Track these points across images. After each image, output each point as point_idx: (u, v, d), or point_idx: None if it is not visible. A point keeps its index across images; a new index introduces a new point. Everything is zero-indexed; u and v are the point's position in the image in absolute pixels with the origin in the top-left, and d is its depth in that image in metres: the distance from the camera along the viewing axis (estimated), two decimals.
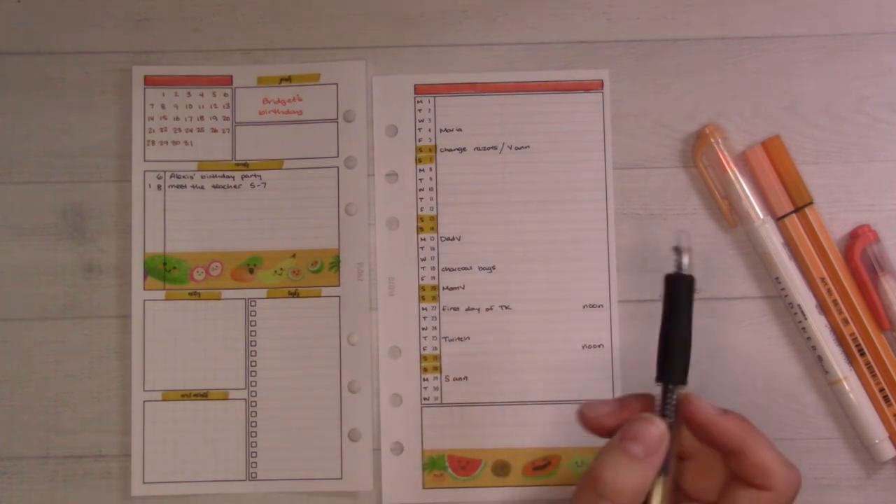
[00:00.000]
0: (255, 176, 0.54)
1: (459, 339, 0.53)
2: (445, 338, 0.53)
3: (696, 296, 0.53)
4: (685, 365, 0.45)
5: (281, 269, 0.54)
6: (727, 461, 0.44)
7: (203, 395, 0.53)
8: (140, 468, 0.53)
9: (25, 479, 0.53)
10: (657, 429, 0.43)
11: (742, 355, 0.53)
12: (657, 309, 0.53)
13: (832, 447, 0.53)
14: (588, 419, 0.45)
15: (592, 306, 0.53)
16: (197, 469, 0.53)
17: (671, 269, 0.44)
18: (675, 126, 0.54)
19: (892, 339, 0.52)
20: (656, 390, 0.44)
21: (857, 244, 0.52)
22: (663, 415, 0.44)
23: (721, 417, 0.44)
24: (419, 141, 0.54)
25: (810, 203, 0.52)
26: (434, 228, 0.54)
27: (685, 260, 0.44)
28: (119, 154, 0.54)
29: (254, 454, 0.53)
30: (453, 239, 0.54)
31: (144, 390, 0.53)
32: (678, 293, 0.45)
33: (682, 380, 0.44)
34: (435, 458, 0.53)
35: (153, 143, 0.54)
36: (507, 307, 0.53)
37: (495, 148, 0.54)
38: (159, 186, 0.54)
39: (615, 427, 0.44)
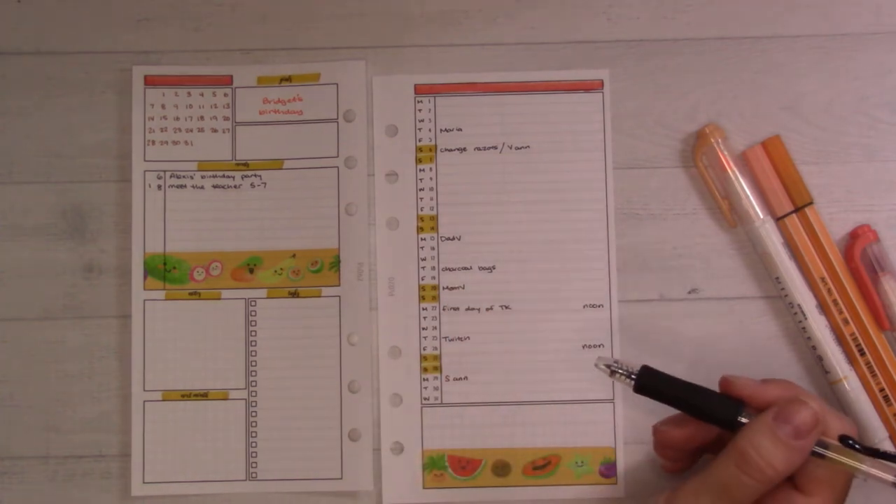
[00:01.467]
0: (255, 176, 0.54)
1: (459, 339, 0.53)
2: (445, 338, 0.53)
3: (696, 295, 0.54)
4: (723, 404, 0.45)
5: (281, 269, 0.54)
6: None
7: (203, 395, 0.53)
8: (140, 468, 0.53)
9: (25, 479, 0.53)
10: (811, 414, 0.43)
11: (742, 355, 0.53)
12: (657, 309, 0.53)
13: None
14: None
15: (592, 306, 0.53)
16: (197, 469, 0.53)
17: (630, 384, 0.47)
18: (675, 126, 0.54)
19: (892, 339, 0.52)
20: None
21: (857, 244, 0.52)
22: None
23: (761, 387, 0.45)
24: (419, 141, 0.54)
25: (810, 203, 0.52)
26: (434, 228, 0.54)
27: (625, 369, 0.47)
28: (119, 154, 0.54)
29: (254, 454, 0.53)
30: (453, 239, 0.54)
31: (144, 390, 0.53)
32: (658, 385, 0.46)
33: (736, 412, 0.45)
34: (435, 458, 0.53)
35: (153, 143, 0.54)
36: (507, 307, 0.53)
37: (495, 148, 0.54)
38: (159, 186, 0.54)
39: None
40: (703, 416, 0.46)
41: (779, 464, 0.43)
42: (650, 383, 0.46)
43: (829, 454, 0.44)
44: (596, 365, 0.47)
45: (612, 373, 0.47)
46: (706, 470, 0.45)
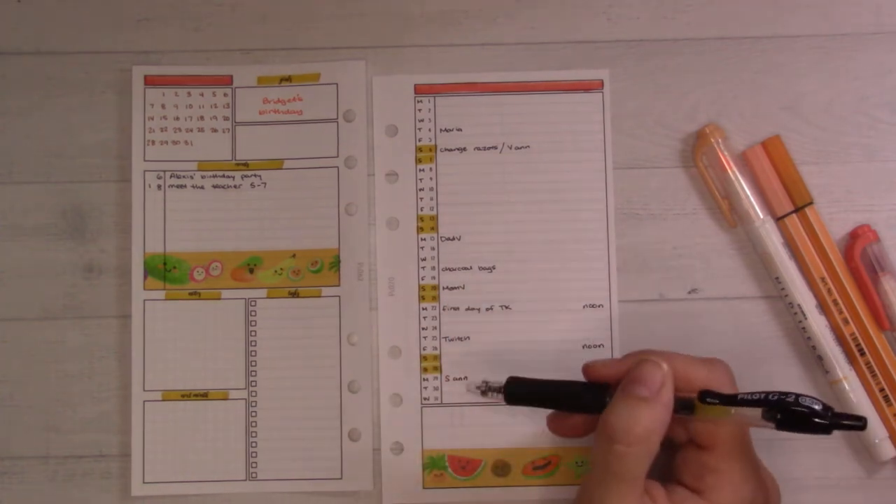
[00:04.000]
0: (255, 176, 0.54)
1: (459, 339, 0.53)
2: (445, 338, 0.53)
3: (696, 295, 0.54)
4: (589, 392, 0.47)
5: (281, 269, 0.54)
6: None
7: (203, 395, 0.53)
8: (140, 468, 0.53)
9: (25, 479, 0.53)
10: (659, 369, 0.45)
11: (742, 355, 0.53)
12: (657, 309, 0.53)
13: (832, 447, 0.53)
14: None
15: (592, 306, 0.53)
16: (197, 469, 0.53)
17: (501, 399, 0.49)
18: (675, 126, 0.54)
19: (892, 339, 0.52)
20: None
21: (857, 244, 0.52)
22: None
23: (619, 361, 0.47)
24: (419, 141, 0.54)
25: (810, 203, 0.52)
26: (434, 228, 0.54)
27: (494, 386, 0.50)
28: (119, 154, 0.54)
29: (254, 454, 0.53)
30: (453, 239, 0.54)
31: (144, 390, 0.53)
32: (525, 392, 0.49)
33: (603, 397, 0.46)
34: (435, 458, 0.53)
35: (153, 143, 0.54)
36: (507, 307, 0.53)
37: (495, 148, 0.54)
38: (159, 186, 0.54)
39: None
40: (575, 408, 0.48)
41: (644, 422, 0.44)
42: (518, 392, 0.49)
43: (699, 410, 0.45)
44: (468, 390, 0.50)
45: (483, 392, 0.49)
46: (590, 463, 0.46)
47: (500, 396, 0.49)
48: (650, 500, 0.45)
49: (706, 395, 0.44)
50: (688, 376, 0.46)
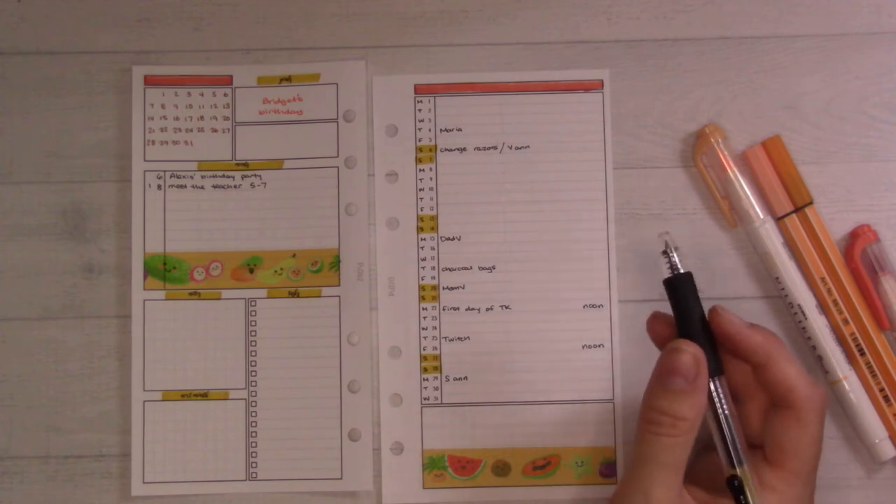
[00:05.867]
0: (255, 176, 0.54)
1: (459, 339, 0.53)
2: (445, 338, 0.53)
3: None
4: (716, 354, 0.47)
5: (281, 269, 0.54)
6: (756, 374, 0.47)
7: (203, 395, 0.53)
8: (140, 468, 0.53)
9: (25, 479, 0.53)
10: (688, 356, 0.45)
11: None
12: (657, 309, 0.53)
13: (832, 447, 0.53)
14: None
15: (592, 306, 0.53)
16: (197, 469, 0.53)
17: (667, 274, 0.47)
18: (675, 126, 0.54)
19: (892, 339, 0.52)
20: None
21: (857, 244, 0.52)
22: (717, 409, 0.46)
23: (748, 329, 0.46)
24: (419, 141, 0.54)
25: (810, 203, 0.53)
26: (434, 228, 0.54)
27: (676, 259, 0.47)
28: (119, 154, 0.54)
29: (254, 454, 0.53)
30: (453, 239, 0.54)
31: (144, 390, 0.53)
32: (682, 293, 0.47)
33: (719, 369, 0.47)
34: (435, 458, 0.53)
35: (153, 143, 0.54)
36: (507, 307, 0.53)
37: (495, 148, 0.54)
38: (159, 186, 0.54)
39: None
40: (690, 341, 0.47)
41: (686, 412, 0.44)
42: (678, 287, 0.47)
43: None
44: (659, 235, 0.48)
45: (663, 252, 0.47)
46: (633, 454, 0.46)
47: (668, 272, 0.47)
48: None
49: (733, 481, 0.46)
50: (797, 387, 0.46)
